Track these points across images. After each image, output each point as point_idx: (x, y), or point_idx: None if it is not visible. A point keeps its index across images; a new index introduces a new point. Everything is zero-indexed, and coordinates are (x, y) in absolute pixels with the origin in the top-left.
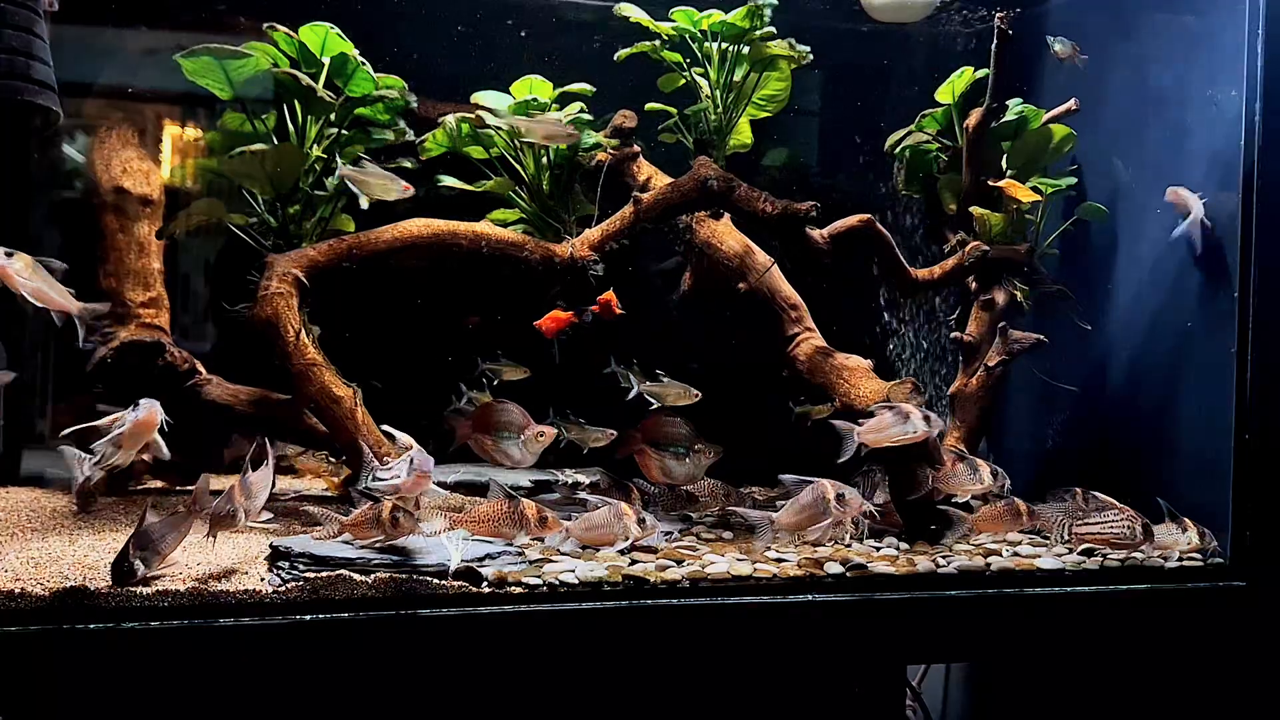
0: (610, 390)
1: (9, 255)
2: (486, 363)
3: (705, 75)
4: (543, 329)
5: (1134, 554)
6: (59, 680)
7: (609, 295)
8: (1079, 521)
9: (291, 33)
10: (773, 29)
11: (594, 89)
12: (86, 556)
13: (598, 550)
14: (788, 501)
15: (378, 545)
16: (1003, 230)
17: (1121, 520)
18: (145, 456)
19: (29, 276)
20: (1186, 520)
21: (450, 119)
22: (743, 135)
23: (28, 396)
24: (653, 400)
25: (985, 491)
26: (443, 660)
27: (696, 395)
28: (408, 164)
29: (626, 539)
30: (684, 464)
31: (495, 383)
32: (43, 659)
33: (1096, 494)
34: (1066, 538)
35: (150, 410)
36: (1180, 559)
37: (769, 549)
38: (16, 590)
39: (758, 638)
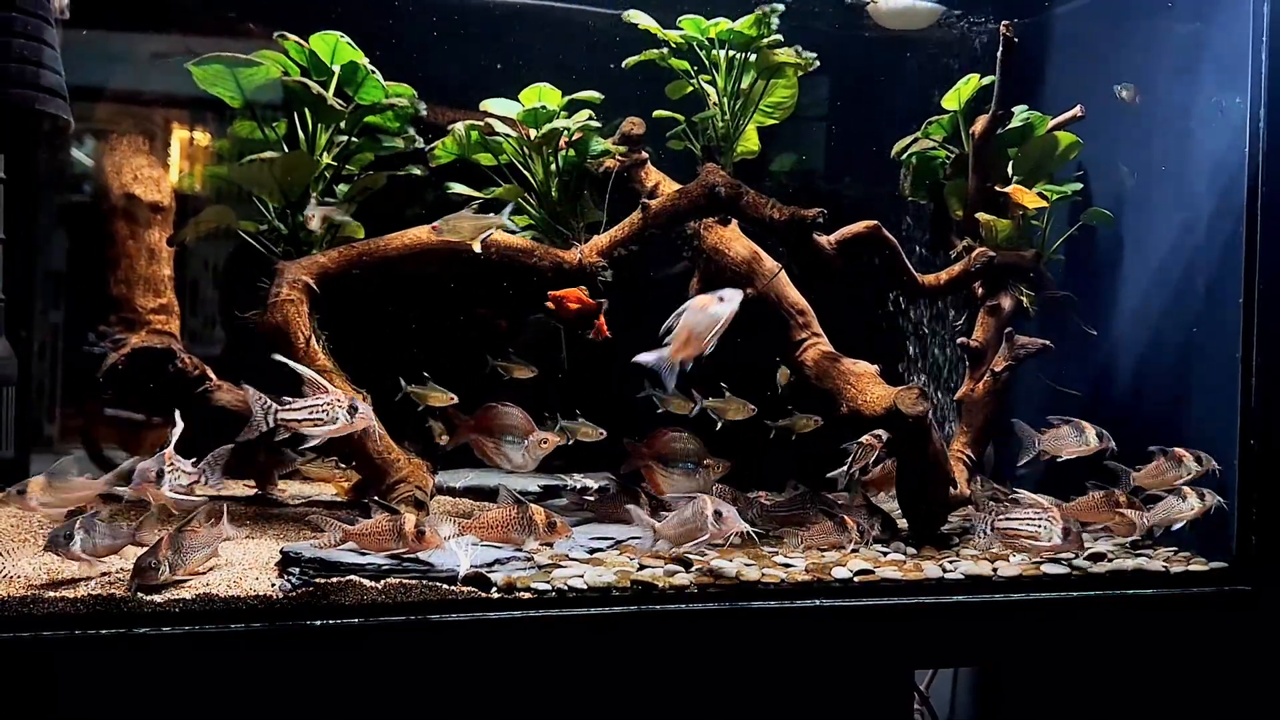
0: (611, 392)
1: None
2: (497, 360)
3: (713, 82)
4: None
5: (1049, 555)
6: (73, 685)
7: (568, 292)
8: (1001, 516)
9: (302, 41)
10: (780, 36)
11: (602, 96)
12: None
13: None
14: (671, 514)
15: (404, 556)
16: (1009, 236)
17: (1038, 520)
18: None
19: None
20: (1185, 489)
21: (459, 126)
22: (750, 142)
23: (38, 402)
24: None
25: (1093, 452)
26: (453, 665)
27: (694, 408)
28: (417, 171)
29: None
30: (692, 479)
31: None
32: (57, 664)
33: (1021, 491)
34: (989, 532)
35: None
36: (1188, 527)
37: (653, 552)
38: (30, 597)
39: (765, 642)
